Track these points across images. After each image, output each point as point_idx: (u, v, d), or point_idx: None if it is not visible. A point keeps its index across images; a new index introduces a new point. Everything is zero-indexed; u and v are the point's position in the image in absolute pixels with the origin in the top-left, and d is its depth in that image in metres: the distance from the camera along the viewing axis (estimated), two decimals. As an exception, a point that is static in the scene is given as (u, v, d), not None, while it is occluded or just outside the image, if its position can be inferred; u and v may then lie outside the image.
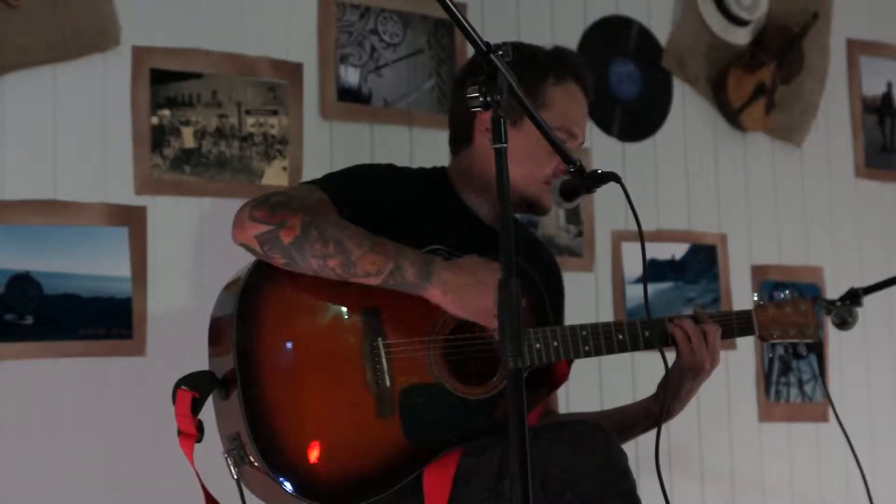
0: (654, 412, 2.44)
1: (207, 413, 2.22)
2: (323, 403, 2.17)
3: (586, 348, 2.31)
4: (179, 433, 2.17)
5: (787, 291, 2.51)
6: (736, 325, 2.45)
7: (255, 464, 2.11)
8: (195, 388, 2.17)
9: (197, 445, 2.16)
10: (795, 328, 2.48)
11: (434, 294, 2.17)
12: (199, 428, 2.16)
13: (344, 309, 2.20)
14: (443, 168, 2.51)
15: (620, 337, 2.34)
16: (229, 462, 2.14)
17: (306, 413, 2.15)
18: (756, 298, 2.50)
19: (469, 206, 2.44)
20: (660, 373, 2.34)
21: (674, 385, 2.39)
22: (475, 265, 2.20)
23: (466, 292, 2.17)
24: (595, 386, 3.56)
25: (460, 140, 2.48)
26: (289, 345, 2.17)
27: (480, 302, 2.16)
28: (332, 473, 2.15)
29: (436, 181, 2.45)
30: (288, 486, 2.10)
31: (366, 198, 2.29)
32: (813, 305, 2.50)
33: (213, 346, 2.25)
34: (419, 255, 2.18)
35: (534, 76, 2.38)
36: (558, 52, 2.50)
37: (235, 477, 2.14)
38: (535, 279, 2.34)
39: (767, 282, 3.97)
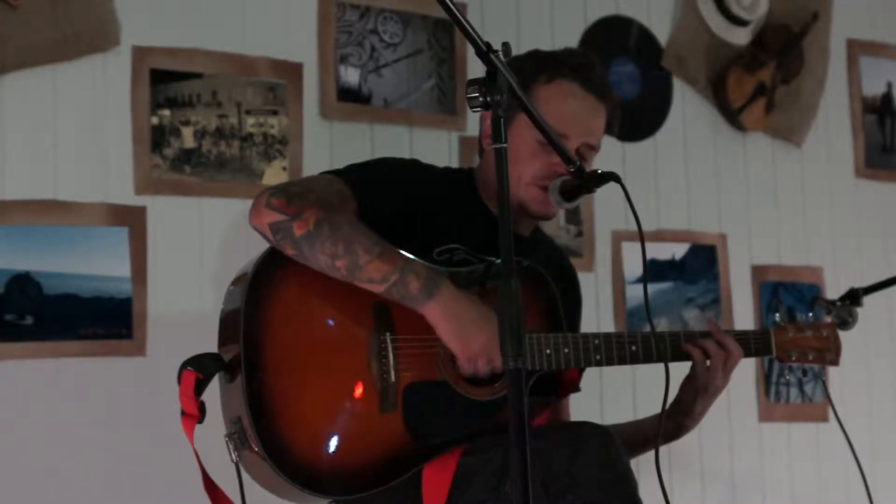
0: (667, 429, 2.42)
1: (212, 396, 2.22)
2: (326, 394, 2.17)
3: (597, 357, 2.30)
4: (182, 413, 2.17)
5: (811, 314, 2.49)
6: (753, 344, 2.44)
7: (255, 449, 2.11)
8: (200, 369, 2.17)
9: (200, 427, 2.17)
10: (815, 352, 2.46)
11: (432, 313, 2.15)
12: (202, 409, 2.16)
13: (354, 301, 2.20)
14: (470, 169, 2.51)
15: (633, 348, 2.33)
16: (230, 445, 2.15)
17: (308, 402, 2.16)
18: (777, 318, 2.48)
19: (489, 207, 2.44)
20: (662, 386, 2.31)
21: (687, 404, 2.39)
22: (481, 307, 2.19)
23: (463, 323, 2.16)
24: (596, 397, 3.56)
25: (479, 145, 2.51)
26: (296, 334, 2.17)
27: (472, 338, 2.15)
28: (329, 464, 2.15)
29: (459, 181, 2.46)
30: (285, 473, 2.10)
31: (386, 193, 2.29)
32: (836, 329, 2.49)
33: (222, 334, 2.25)
34: (427, 273, 2.17)
35: (523, 77, 2.30)
36: (557, 53, 2.48)
37: (235, 460, 2.15)
38: (549, 281, 2.34)
39: (767, 282, 3.97)
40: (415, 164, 2.42)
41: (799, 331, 2.46)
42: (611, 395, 3.57)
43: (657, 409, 2.39)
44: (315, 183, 2.27)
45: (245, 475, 2.19)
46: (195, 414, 2.15)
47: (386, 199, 2.28)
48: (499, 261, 2.30)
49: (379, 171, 2.34)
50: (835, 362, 2.48)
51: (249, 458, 2.16)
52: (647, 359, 2.34)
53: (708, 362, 2.38)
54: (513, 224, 2.39)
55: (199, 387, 2.17)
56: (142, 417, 2.94)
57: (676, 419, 2.42)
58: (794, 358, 2.46)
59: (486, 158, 2.47)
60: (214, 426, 2.22)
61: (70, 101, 3.00)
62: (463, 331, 2.16)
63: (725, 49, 3.93)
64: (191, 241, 3.10)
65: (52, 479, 2.89)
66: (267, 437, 2.10)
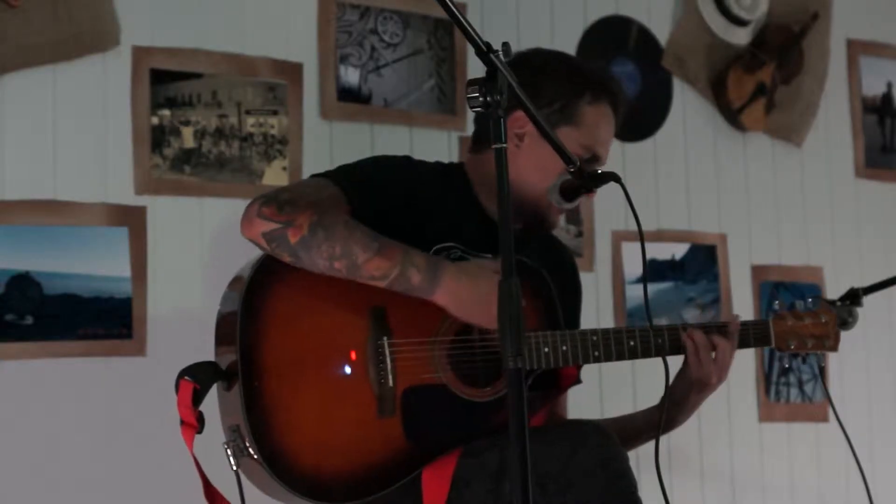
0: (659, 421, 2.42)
1: (212, 402, 2.22)
2: (324, 400, 2.17)
3: (596, 354, 2.29)
4: (181, 422, 2.17)
5: (811, 300, 2.46)
6: (752, 335, 2.42)
7: (254, 457, 2.11)
8: (197, 379, 2.16)
9: (201, 433, 2.16)
10: (814, 339, 2.44)
11: (441, 298, 2.16)
12: (200, 419, 2.15)
13: (350, 307, 2.19)
14: (460, 164, 2.49)
15: (632, 343, 2.32)
16: (229, 453, 2.15)
17: (306, 409, 2.15)
18: (776, 307, 2.46)
19: (484, 204, 2.42)
20: (661, 380, 2.32)
21: (679, 396, 2.37)
22: (483, 271, 2.18)
23: (475, 301, 2.15)
24: (595, 391, 3.56)
25: (484, 140, 2.42)
26: (292, 341, 2.16)
27: (486, 308, 2.14)
28: (329, 470, 2.15)
29: (452, 177, 2.43)
30: (284, 481, 2.10)
31: (379, 193, 2.27)
32: (836, 316, 2.47)
33: (218, 340, 2.25)
34: (427, 260, 2.17)
35: (571, 91, 2.35)
36: (598, 71, 2.47)
37: (235, 468, 2.14)
38: (547, 280, 2.33)
39: (767, 282, 3.97)
40: (407, 161, 2.40)
41: (798, 318, 2.44)
42: (611, 389, 3.57)
43: (657, 403, 2.39)
44: (305, 188, 2.25)
45: (247, 481, 2.19)
46: (194, 424, 2.14)
47: (379, 200, 2.26)
48: (491, 257, 2.30)
49: (371, 171, 2.32)
50: (834, 348, 2.46)
51: (249, 465, 2.15)
52: (646, 353, 2.33)
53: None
54: (511, 220, 2.40)
55: (197, 397, 2.16)
56: (142, 417, 2.94)
57: (668, 411, 2.41)
58: (792, 346, 2.43)
59: (490, 159, 2.42)
60: (216, 431, 2.22)
61: (70, 101, 3.00)
62: (480, 308, 2.15)
63: (725, 49, 3.93)
64: (191, 241, 3.10)
65: (52, 479, 2.89)
66: (265, 445, 2.10)
